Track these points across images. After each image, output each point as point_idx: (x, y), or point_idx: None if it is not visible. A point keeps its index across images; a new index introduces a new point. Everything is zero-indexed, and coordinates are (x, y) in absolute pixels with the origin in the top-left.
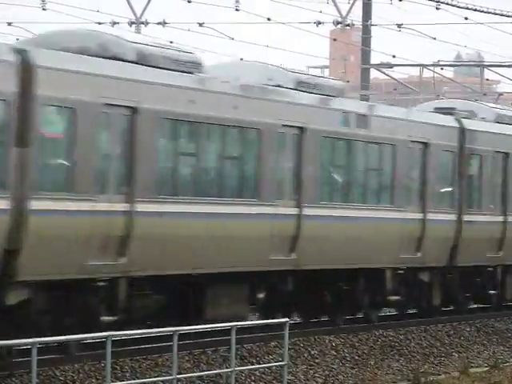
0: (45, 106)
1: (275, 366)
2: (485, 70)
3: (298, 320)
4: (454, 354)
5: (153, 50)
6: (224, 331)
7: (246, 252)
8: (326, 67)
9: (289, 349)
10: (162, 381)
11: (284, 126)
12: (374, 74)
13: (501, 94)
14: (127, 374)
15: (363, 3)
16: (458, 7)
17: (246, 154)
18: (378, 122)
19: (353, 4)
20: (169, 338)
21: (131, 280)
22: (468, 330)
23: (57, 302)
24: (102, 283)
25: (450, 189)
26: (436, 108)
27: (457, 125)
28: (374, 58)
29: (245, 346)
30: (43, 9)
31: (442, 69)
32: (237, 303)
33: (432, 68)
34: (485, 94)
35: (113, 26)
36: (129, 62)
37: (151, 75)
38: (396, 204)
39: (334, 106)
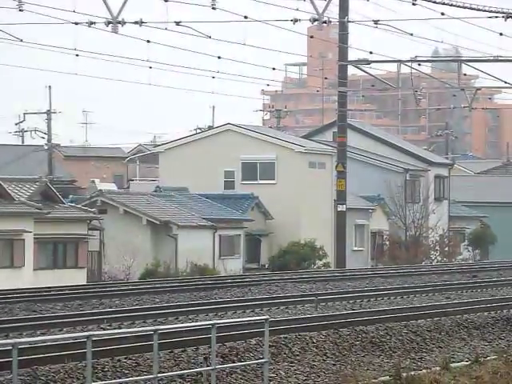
0: None
1: (256, 363)
2: (462, 65)
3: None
4: (434, 349)
5: None
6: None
7: None
8: (304, 64)
9: (269, 346)
10: (144, 380)
11: None
12: (351, 70)
13: (479, 89)
14: (108, 374)
15: (340, 0)
16: (435, 2)
17: None
18: None
19: (329, 1)
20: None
21: None
22: (448, 324)
23: None
24: None
25: None
26: None
27: None
28: (352, 55)
29: (225, 343)
30: (20, 10)
31: (419, 64)
32: None
33: (409, 64)
34: (462, 89)
35: (89, 26)
36: None
37: None
38: None
39: None
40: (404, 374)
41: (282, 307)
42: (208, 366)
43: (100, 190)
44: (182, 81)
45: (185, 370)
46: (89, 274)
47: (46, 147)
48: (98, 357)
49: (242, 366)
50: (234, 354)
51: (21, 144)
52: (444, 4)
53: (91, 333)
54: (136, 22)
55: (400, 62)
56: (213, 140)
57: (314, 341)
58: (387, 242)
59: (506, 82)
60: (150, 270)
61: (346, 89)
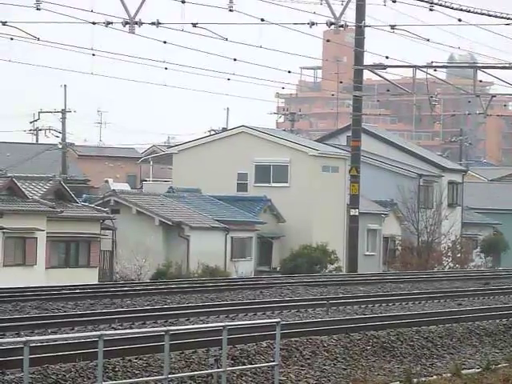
0: None
1: (267, 366)
2: (478, 71)
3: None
4: (445, 355)
5: None
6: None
7: None
8: (319, 68)
9: (280, 349)
10: (154, 380)
11: None
12: (367, 75)
13: (494, 96)
14: (119, 374)
15: (357, 4)
16: (452, 8)
17: None
18: None
19: (346, 5)
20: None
21: None
22: (460, 331)
23: None
24: None
25: None
26: None
27: None
28: (367, 59)
29: (236, 346)
30: (37, 8)
31: (435, 70)
32: None
33: (425, 69)
34: (478, 96)
35: (107, 26)
36: None
37: None
38: None
39: None
40: (415, 380)
41: (293, 310)
42: (219, 368)
43: (113, 189)
44: (197, 82)
45: (195, 371)
46: (100, 274)
47: (60, 146)
48: (109, 356)
49: (253, 368)
50: (245, 357)
51: (35, 143)
52: (461, 10)
53: (102, 332)
54: (153, 23)
55: (416, 67)
56: (226, 142)
57: (325, 345)
58: (399, 248)
59: None
60: (161, 271)
61: (361, 93)
